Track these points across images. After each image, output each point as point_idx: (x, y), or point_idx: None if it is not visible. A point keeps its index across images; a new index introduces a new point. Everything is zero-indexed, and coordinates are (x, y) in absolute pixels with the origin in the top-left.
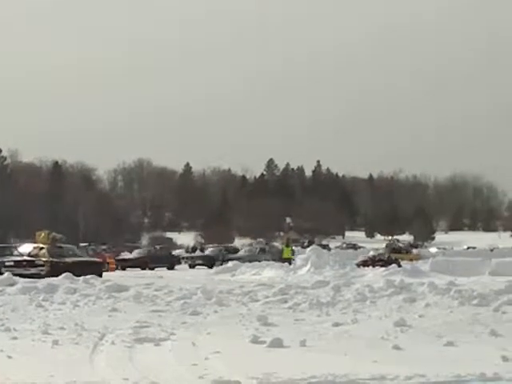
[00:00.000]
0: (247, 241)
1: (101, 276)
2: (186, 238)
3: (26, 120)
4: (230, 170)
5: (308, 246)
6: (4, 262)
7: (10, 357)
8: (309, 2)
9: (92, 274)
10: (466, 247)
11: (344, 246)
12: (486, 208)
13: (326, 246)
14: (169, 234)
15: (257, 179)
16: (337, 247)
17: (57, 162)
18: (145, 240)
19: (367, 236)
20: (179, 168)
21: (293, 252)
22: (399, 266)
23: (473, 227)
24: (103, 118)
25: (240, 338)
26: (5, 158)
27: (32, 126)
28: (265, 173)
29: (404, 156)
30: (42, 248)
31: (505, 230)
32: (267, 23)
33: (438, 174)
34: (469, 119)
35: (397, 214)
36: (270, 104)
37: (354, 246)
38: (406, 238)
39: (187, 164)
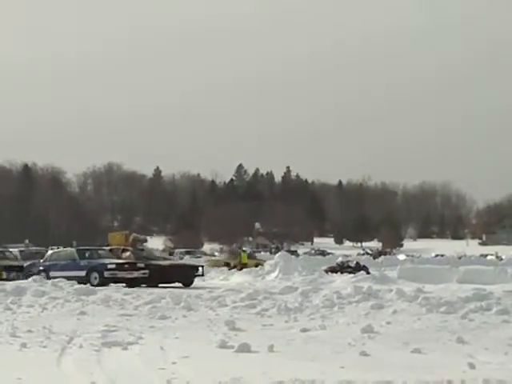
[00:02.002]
0: (216, 246)
1: (192, 282)
2: (155, 243)
3: None
4: (199, 174)
5: (276, 252)
6: (106, 264)
7: None
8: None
9: (187, 277)
10: (434, 255)
11: (312, 252)
12: (455, 215)
13: (294, 252)
14: None
15: (226, 184)
16: (305, 253)
17: (26, 165)
18: None
19: (336, 242)
20: (149, 172)
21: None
22: (368, 272)
23: (441, 235)
24: (73, 121)
25: (208, 342)
26: None
27: (1, 128)
28: (234, 178)
29: (373, 163)
30: (124, 250)
31: (473, 237)
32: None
33: (407, 181)
34: (441, 129)
35: (365, 220)
36: (241, 109)
37: (323, 253)
38: (375, 244)
39: (157, 168)
